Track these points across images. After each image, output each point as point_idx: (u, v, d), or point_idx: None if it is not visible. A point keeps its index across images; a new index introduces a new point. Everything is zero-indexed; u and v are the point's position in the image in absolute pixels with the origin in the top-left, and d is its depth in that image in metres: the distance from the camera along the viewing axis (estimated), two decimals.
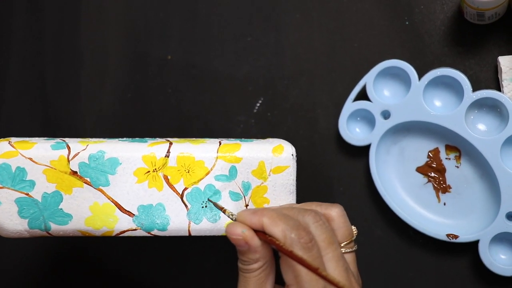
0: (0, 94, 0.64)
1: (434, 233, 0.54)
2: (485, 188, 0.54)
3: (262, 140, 0.50)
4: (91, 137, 0.61)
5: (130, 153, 0.47)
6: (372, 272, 0.58)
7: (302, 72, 0.60)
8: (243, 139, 0.50)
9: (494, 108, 0.53)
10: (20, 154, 0.46)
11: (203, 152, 0.47)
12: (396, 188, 0.57)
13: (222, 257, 0.60)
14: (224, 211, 0.46)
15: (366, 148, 0.57)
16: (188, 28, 0.62)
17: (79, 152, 0.47)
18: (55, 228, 0.48)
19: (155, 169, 0.47)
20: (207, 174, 0.48)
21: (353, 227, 0.45)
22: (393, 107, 0.55)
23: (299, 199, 0.59)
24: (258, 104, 0.60)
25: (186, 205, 0.48)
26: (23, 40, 0.65)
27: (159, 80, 0.62)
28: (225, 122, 0.61)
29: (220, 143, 0.48)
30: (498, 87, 0.55)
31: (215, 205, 0.47)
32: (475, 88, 0.53)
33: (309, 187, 0.59)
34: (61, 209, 0.48)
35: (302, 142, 0.59)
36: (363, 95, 0.56)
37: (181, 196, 0.48)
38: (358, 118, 0.58)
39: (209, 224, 0.48)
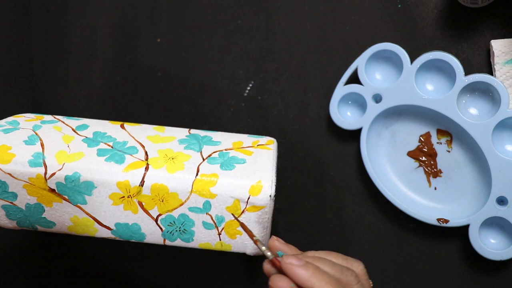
0: None
1: (425, 218, 0.54)
2: (476, 173, 0.54)
3: (246, 164, 0.48)
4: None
5: (104, 177, 0.46)
6: (363, 256, 0.58)
7: (293, 55, 0.59)
8: (224, 161, 0.48)
9: (486, 92, 0.53)
10: (0, 169, 0.46)
11: (178, 184, 0.46)
12: (387, 172, 0.57)
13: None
14: (255, 242, 0.45)
15: (357, 132, 0.56)
16: (177, 11, 0.61)
17: (55, 172, 0.46)
18: (42, 229, 0.50)
19: (130, 195, 0.47)
20: (181, 205, 0.47)
21: (370, 281, 0.45)
22: (384, 90, 0.54)
23: (291, 183, 0.59)
24: (248, 88, 0.60)
25: (161, 228, 0.48)
26: (10, 22, 0.63)
27: (148, 63, 0.61)
28: (215, 105, 0.60)
29: (198, 172, 0.47)
30: (490, 71, 0.55)
31: (246, 230, 0.46)
32: (467, 72, 0.52)
33: (300, 171, 0.59)
34: (44, 217, 0.49)
35: (293, 126, 0.59)
36: (354, 79, 0.56)
37: (156, 220, 0.48)
38: (350, 102, 0.57)
39: (183, 243, 0.49)
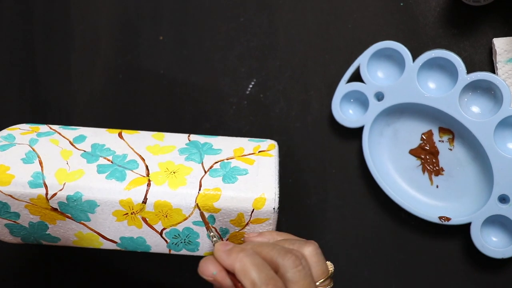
0: None
1: (427, 216, 0.54)
2: (477, 171, 0.54)
3: (248, 176, 0.47)
4: (81, 120, 0.61)
5: (106, 196, 0.46)
6: (364, 254, 0.58)
7: (295, 53, 0.59)
8: (226, 173, 0.47)
9: (488, 90, 0.53)
10: (0, 191, 0.46)
11: (181, 199, 0.46)
12: (389, 170, 0.57)
13: None
14: (207, 228, 0.45)
15: (359, 130, 0.56)
16: (180, 8, 0.61)
17: (56, 193, 0.46)
18: (47, 243, 0.50)
19: (133, 212, 0.46)
20: (185, 219, 0.47)
21: (329, 263, 0.43)
22: (386, 88, 0.55)
23: (292, 181, 0.59)
24: (250, 86, 0.60)
25: (165, 240, 0.48)
26: (12, 20, 0.64)
27: (151, 61, 0.62)
28: (217, 103, 0.60)
29: (200, 186, 0.46)
30: (492, 69, 0.55)
31: (203, 219, 0.46)
32: (469, 70, 0.52)
33: (302, 169, 0.59)
34: (48, 233, 0.48)
35: (295, 124, 0.59)
36: (356, 77, 0.56)
37: (160, 233, 0.48)
38: (352, 100, 0.57)
39: (188, 252, 0.49)
